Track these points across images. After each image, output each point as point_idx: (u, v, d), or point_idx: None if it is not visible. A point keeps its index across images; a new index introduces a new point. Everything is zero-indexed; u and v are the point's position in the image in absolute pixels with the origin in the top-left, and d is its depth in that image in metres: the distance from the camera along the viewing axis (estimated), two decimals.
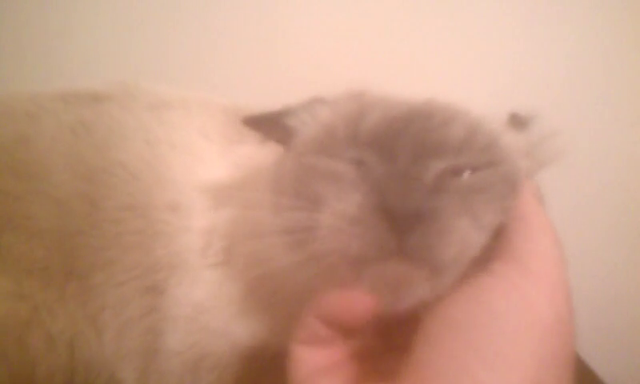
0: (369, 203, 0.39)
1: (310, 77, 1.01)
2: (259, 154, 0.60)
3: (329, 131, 0.47)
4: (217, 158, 0.63)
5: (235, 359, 0.55)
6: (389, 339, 0.44)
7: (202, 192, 0.59)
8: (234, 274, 0.56)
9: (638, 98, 1.09)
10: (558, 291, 0.38)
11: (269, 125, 0.53)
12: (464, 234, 0.40)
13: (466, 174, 0.43)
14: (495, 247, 0.40)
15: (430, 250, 0.38)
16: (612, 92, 1.08)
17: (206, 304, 0.56)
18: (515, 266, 0.38)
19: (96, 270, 0.59)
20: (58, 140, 0.63)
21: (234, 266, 0.56)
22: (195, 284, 0.57)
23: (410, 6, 1.03)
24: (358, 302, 0.40)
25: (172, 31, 1.01)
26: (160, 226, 0.59)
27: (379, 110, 0.46)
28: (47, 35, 0.99)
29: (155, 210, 0.59)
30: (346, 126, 0.46)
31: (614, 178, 1.10)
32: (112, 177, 0.60)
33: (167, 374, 0.57)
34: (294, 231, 0.43)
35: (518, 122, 0.52)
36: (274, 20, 1.02)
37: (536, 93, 1.02)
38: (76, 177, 0.60)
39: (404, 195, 0.39)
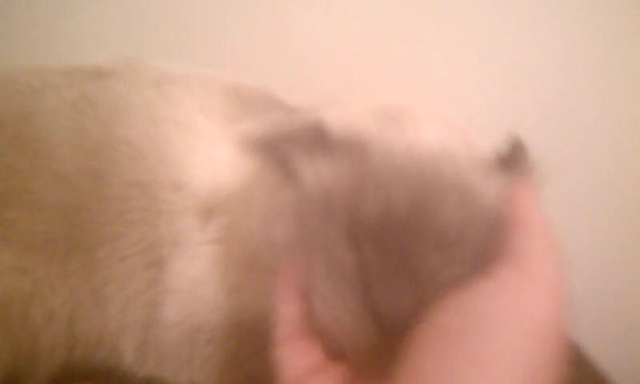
0: (361, 301, 0.41)
1: (310, 60, 1.03)
2: None
3: (328, 201, 0.44)
4: (218, 137, 0.64)
5: (229, 333, 0.57)
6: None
7: (209, 181, 0.60)
8: (230, 250, 0.58)
9: (637, 98, 1.10)
10: (555, 296, 0.37)
11: (270, 153, 0.48)
12: None
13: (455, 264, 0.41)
14: (494, 248, 0.40)
15: None
16: (612, 92, 1.09)
17: (202, 277, 0.58)
18: (513, 269, 0.37)
19: (101, 245, 0.59)
20: (61, 115, 0.62)
21: (230, 242, 0.58)
22: (194, 259, 0.58)
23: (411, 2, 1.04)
24: None
25: (174, 9, 1.00)
26: (163, 203, 0.60)
27: (381, 194, 0.42)
28: (47, 12, 0.98)
29: (159, 187, 0.60)
30: (346, 205, 0.43)
31: (614, 175, 1.11)
32: (117, 153, 0.60)
33: (165, 344, 0.58)
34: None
35: (515, 153, 0.48)
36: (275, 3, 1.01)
37: (536, 93, 1.06)
38: (80, 152, 0.61)
39: (394, 301, 0.40)
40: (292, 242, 0.45)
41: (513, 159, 0.47)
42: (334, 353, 0.43)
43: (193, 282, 0.58)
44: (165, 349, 0.58)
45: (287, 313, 0.43)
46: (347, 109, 0.52)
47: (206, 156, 0.62)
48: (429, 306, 0.38)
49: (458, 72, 1.05)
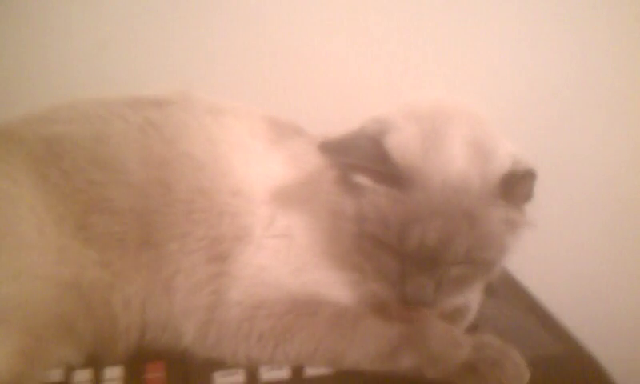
0: (396, 294, 0.66)
1: (312, 78, 1.13)
2: (306, 148, 0.76)
3: (384, 223, 0.64)
4: (268, 154, 0.78)
5: (287, 308, 0.68)
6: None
7: (267, 188, 0.75)
8: (292, 242, 0.71)
9: (638, 98, 1.20)
10: None
11: (340, 160, 0.67)
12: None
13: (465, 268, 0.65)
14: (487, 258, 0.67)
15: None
16: (612, 92, 1.19)
17: (266, 264, 0.70)
18: None
19: (170, 241, 0.71)
20: (129, 137, 0.75)
21: (292, 238, 0.72)
22: (259, 250, 0.71)
23: (412, 6, 1.14)
24: None
25: (176, 33, 1.11)
26: (224, 207, 0.72)
27: (419, 230, 0.62)
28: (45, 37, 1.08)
29: (219, 194, 0.73)
30: (396, 231, 0.63)
31: (614, 176, 1.22)
32: (182, 165, 0.73)
33: (226, 323, 0.69)
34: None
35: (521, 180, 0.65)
36: (275, 22, 1.12)
37: (536, 93, 1.16)
38: (148, 166, 0.73)
39: (421, 295, 0.64)
40: (351, 237, 0.66)
41: (517, 186, 0.65)
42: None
43: (257, 268, 0.70)
44: (226, 328, 0.69)
45: None
46: (401, 128, 0.66)
47: (259, 169, 0.76)
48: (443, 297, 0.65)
49: (458, 75, 1.15)
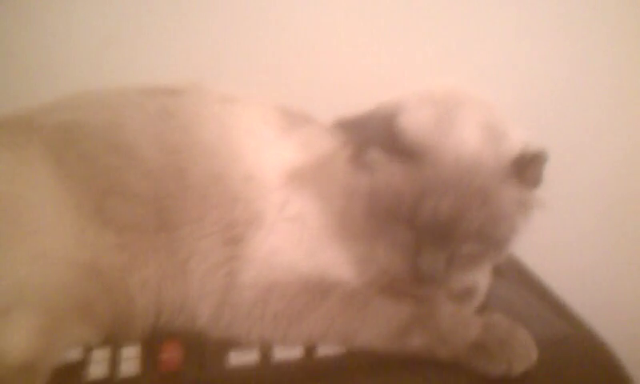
0: (409, 269, 0.67)
1: (321, 70, 1.14)
2: (318, 134, 0.78)
3: (398, 198, 0.66)
4: (280, 141, 0.79)
5: (299, 290, 0.70)
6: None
7: (280, 173, 0.76)
8: (304, 225, 0.73)
9: (638, 98, 1.22)
10: None
11: (354, 136, 0.70)
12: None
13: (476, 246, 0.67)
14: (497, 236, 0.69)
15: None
16: (612, 92, 1.21)
17: (279, 247, 0.72)
18: None
19: (185, 225, 0.73)
20: (145, 123, 0.77)
21: (304, 221, 0.73)
22: (271, 233, 0.73)
23: (412, 4, 1.16)
24: None
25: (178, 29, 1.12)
26: (237, 192, 0.74)
27: (432, 203, 0.64)
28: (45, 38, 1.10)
29: (232, 179, 0.74)
30: (410, 205, 0.65)
31: (622, 163, 1.24)
32: (196, 151, 0.75)
33: (239, 306, 0.71)
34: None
35: (532, 164, 0.67)
36: (276, 16, 1.14)
37: (537, 92, 1.17)
38: (163, 152, 0.75)
39: (433, 265, 0.66)
40: (364, 214, 0.68)
41: (528, 168, 0.67)
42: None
43: (270, 251, 0.72)
44: (239, 310, 0.71)
45: None
46: (416, 108, 0.68)
47: (271, 154, 0.77)
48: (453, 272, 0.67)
49: (467, 70, 1.13)
